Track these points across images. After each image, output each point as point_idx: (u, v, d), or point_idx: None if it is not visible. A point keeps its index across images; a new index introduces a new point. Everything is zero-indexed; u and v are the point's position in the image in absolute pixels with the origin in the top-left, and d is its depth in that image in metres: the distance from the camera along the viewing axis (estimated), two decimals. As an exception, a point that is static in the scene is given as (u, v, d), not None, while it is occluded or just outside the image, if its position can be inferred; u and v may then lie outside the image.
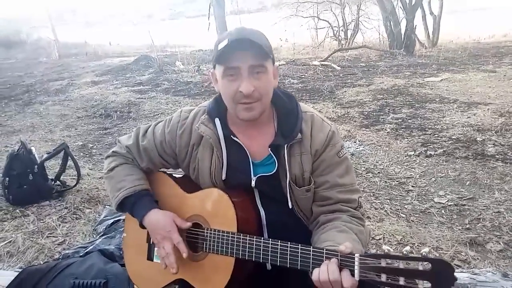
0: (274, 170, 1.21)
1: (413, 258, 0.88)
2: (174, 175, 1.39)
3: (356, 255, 0.95)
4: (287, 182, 1.20)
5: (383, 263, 0.90)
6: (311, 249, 1.02)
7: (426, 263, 0.86)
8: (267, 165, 1.23)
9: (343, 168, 1.23)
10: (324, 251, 0.99)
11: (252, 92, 1.11)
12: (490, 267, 1.96)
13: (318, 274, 0.97)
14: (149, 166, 1.36)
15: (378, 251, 2.20)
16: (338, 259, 0.97)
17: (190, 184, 1.32)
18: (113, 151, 1.39)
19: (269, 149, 1.20)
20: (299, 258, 1.03)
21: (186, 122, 1.29)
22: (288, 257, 1.04)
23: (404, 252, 0.90)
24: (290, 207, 1.22)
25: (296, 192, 1.21)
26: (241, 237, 1.12)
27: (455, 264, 2.07)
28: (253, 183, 1.23)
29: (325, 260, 0.98)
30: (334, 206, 1.20)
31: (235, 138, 1.22)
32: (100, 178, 3.39)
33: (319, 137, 1.21)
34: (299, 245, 1.04)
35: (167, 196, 1.34)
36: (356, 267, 0.94)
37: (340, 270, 0.96)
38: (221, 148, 1.23)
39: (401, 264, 0.88)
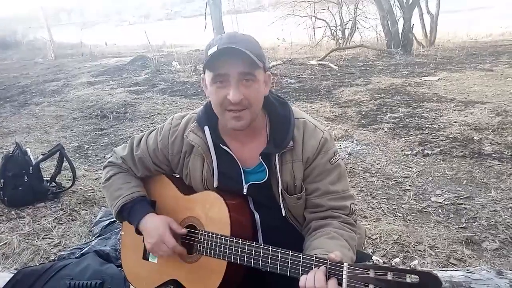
0: (265, 179, 1.21)
1: (401, 270, 0.88)
2: (173, 176, 1.40)
3: (345, 264, 0.95)
4: (279, 190, 1.19)
5: (371, 273, 0.90)
6: (301, 256, 1.02)
7: (414, 275, 0.86)
8: (258, 173, 1.23)
9: (335, 175, 1.21)
10: (314, 259, 0.99)
11: (241, 100, 1.09)
12: (485, 265, 1.96)
13: (305, 281, 0.97)
14: (145, 174, 1.38)
15: (371, 252, 2.20)
16: (327, 267, 0.97)
17: (187, 186, 1.33)
18: (109, 162, 1.41)
19: (260, 157, 1.19)
20: (289, 265, 1.03)
21: (177, 129, 1.29)
22: (278, 263, 1.05)
23: (393, 264, 0.90)
24: (284, 214, 1.22)
25: (287, 200, 1.21)
26: (234, 241, 1.13)
27: (450, 263, 2.08)
28: (244, 190, 1.23)
29: (314, 268, 0.98)
30: (326, 213, 1.19)
31: (224, 147, 1.22)
32: (95, 179, 3.38)
33: (311, 144, 1.19)
34: (290, 251, 1.04)
35: (164, 197, 1.35)
36: (344, 276, 0.94)
37: (328, 278, 0.96)
38: (211, 156, 1.23)
39: (389, 276, 0.88)
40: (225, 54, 1.06)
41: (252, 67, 1.09)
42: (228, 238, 1.14)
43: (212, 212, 1.20)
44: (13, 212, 2.80)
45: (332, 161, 1.21)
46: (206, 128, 1.23)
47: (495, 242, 2.23)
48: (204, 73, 1.16)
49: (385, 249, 2.21)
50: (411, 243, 2.26)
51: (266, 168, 1.20)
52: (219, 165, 1.24)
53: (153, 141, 1.33)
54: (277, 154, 1.17)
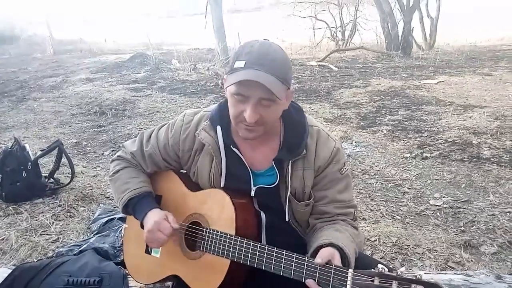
0: (275, 183, 1.21)
1: (407, 280, 0.87)
2: (180, 172, 1.40)
3: (350, 270, 0.95)
4: (287, 196, 1.20)
5: (376, 281, 0.90)
6: (306, 259, 1.02)
7: (419, 286, 0.86)
8: (268, 176, 1.23)
9: (343, 185, 1.23)
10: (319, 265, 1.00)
11: (256, 120, 1.09)
12: (483, 269, 1.97)
13: None
14: (154, 170, 1.38)
15: (370, 254, 2.20)
16: (332, 271, 0.97)
17: (194, 183, 1.33)
18: (118, 156, 1.41)
19: (273, 162, 1.20)
20: (293, 267, 1.03)
21: (189, 126, 1.28)
22: (282, 265, 1.05)
23: (399, 272, 0.89)
24: (287, 219, 1.23)
25: (294, 206, 1.22)
26: (238, 240, 1.12)
27: (449, 266, 2.08)
28: (252, 192, 1.23)
29: (318, 273, 0.99)
30: (331, 219, 1.22)
31: (234, 149, 1.22)
32: (94, 176, 3.37)
33: (324, 153, 1.21)
34: (294, 254, 1.04)
35: (171, 193, 1.36)
36: (348, 282, 0.94)
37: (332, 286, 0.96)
38: (221, 156, 1.23)
39: (394, 285, 0.88)
40: (250, 76, 1.03)
41: (274, 94, 1.07)
42: (233, 237, 1.13)
43: (218, 210, 1.20)
44: (11, 208, 2.78)
45: (342, 171, 1.23)
46: (219, 128, 1.23)
47: (493, 246, 2.23)
48: (227, 76, 1.13)
49: (384, 251, 2.22)
50: (409, 245, 2.26)
51: (278, 173, 1.20)
52: (227, 166, 1.23)
53: (163, 136, 1.32)
54: (290, 161, 1.18)
